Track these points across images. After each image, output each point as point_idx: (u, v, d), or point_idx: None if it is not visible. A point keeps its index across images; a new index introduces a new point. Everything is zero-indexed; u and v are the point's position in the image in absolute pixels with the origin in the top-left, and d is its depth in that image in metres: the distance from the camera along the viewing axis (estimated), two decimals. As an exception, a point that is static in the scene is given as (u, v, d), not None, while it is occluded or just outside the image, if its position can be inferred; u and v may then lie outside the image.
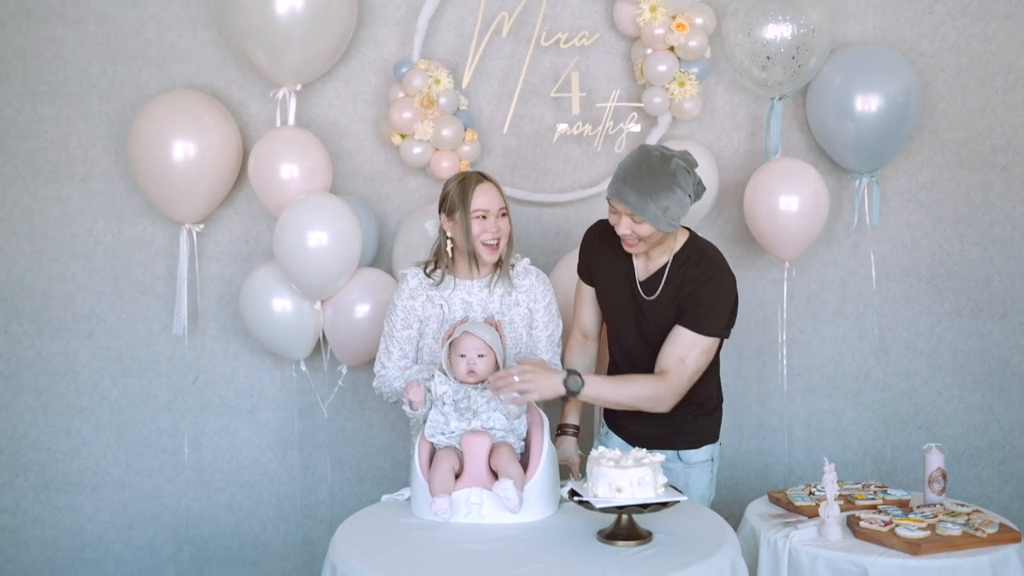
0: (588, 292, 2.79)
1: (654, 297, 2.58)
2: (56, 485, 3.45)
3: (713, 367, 2.67)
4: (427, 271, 2.71)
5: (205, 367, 3.45)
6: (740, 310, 3.48)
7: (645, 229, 2.46)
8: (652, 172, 2.43)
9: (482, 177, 2.67)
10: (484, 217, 2.62)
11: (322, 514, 3.49)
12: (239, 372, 3.48)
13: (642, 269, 2.63)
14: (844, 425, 3.59)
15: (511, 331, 2.68)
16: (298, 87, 3.21)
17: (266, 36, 3.03)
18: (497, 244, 2.64)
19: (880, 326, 3.54)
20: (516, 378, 2.34)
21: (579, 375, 2.43)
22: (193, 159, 3.10)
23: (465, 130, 3.28)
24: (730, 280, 2.56)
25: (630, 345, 2.68)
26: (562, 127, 3.39)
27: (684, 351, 2.50)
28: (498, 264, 2.68)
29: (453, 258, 2.68)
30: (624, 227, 2.48)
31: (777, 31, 3.13)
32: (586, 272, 2.78)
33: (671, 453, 2.68)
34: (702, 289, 2.51)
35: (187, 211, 3.22)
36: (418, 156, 3.26)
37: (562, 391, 2.41)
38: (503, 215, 2.65)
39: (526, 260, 2.76)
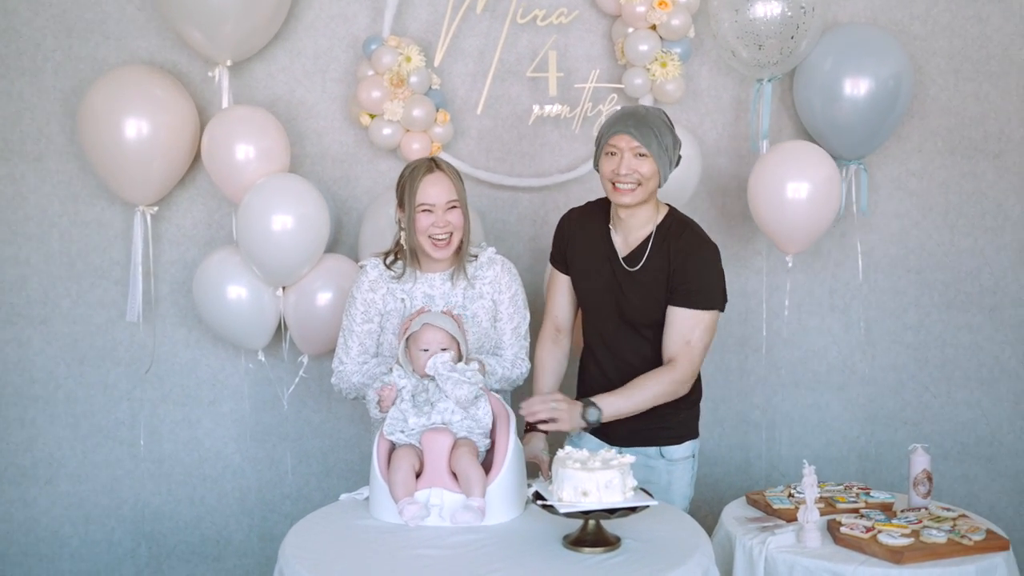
0: (562, 281, 2.68)
1: (637, 268, 2.50)
2: (9, 477, 3.31)
3: None
4: (387, 263, 2.57)
5: (165, 355, 3.31)
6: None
7: (647, 167, 2.42)
8: (649, 112, 2.47)
9: (434, 166, 2.50)
10: (429, 211, 2.47)
11: (287, 509, 3.36)
12: (200, 361, 3.34)
13: (623, 244, 2.56)
14: (828, 420, 3.48)
15: (474, 324, 2.55)
16: (229, 63, 3.06)
17: (200, 10, 2.89)
18: (448, 240, 2.49)
19: (866, 318, 3.42)
20: (552, 405, 2.36)
21: (594, 404, 2.40)
22: (146, 137, 2.95)
23: (437, 110, 3.14)
24: (715, 251, 2.53)
25: (610, 329, 2.58)
26: (539, 108, 3.25)
27: (687, 332, 2.45)
28: (458, 252, 2.54)
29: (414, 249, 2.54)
30: (626, 165, 2.41)
31: (766, 9, 2.99)
32: (561, 258, 2.67)
33: (652, 450, 2.58)
34: (690, 263, 2.46)
35: (140, 192, 3.08)
36: (388, 137, 3.12)
37: (583, 424, 2.40)
38: (452, 208, 2.48)
39: (491, 249, 2.62)
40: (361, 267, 2.60)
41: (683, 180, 3.17)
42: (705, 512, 3.35)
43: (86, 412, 3.33)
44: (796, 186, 2.99)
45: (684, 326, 2.45)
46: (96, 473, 3.34)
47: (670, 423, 2.58)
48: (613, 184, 2.45)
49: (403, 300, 2.54)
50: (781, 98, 3.33)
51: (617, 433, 2.60)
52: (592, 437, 2.64)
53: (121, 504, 3.35)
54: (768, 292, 3.37)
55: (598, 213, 2.62)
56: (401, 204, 2.52)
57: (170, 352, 3.33)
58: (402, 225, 2.52)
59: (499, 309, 2.58)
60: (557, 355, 2.70)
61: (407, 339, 2.34)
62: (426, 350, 2.30)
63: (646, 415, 2.53)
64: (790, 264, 3.22)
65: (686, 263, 2.46)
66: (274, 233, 2.90)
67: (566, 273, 2.68)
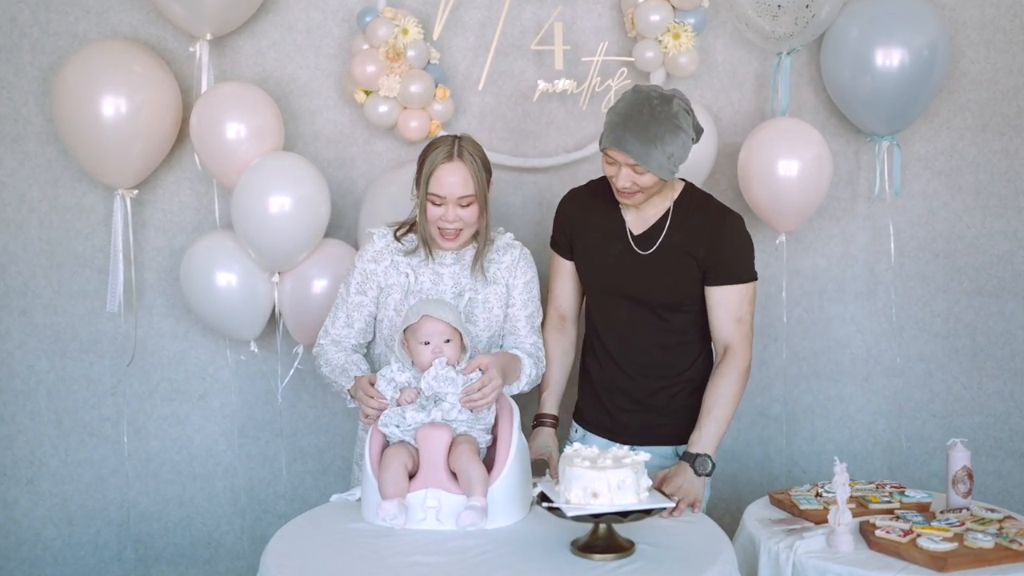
0: (566, 267, 2.52)
1: (653, 250, 2.34)
2: (-12, 477, 3.16)
3: (710, 346, 2.46)
4: (397, 234, 2.40)
5: (151, 348, 3.14)
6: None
7: (647, 179, 2.26)
8: (655, 117, 2.21)
9: (454, 153, 2.28)
10: (438, 204, 2.28)
11: (281, 509, 3.19)
12: (188, 353, 3.17)
13: (637, 223, 2.39)
14: (852, 413, 3.29)
15: (485, 311, 2.38)
16: (209, 37, 2.89)
17: None
18: (457, 234, 2.31)
19: (893, 305, 3.23)
20: (684, 507, 2.18)
21: (696, 455, 2.26)
22: (124, 116, 2.78)
23: (436, 86, 2.95)
24: (741, 219, 2.41)
25: (623, 316, 2.40)
26: (544, 84, 3.07)
27: (736, 310, 2.34)
28: (474, 237, 2.37)
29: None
30: (624, 179, 2.25)
31: (781, -26, 2.80)
32: (565, 244, 2.50)
33: (668, 449, 2.40)
34: (723, 238, 2.34)
35: (120, 175, 2.90)
36: (384, 115, 2.94)
37: (702, 480, 2.27)
38: (466, 205, 2.28)
39: (509, 235, 2.46)
40: (368, 235, 2.44)
41: (698, 160, 2.98)
42: (722, 511, 3.17)
43: (68, 408, 3.16)
44: (787, 163, 2.87)
45: (732, 304, 2.33)
46: (80, 472, 3.18)
47: (690, 416, 2.39)
48: (615, 188, 2.32)
49: (407, 275, 2.36)
50: (803, 71, 3.13)
51: (628, 432, 2.43)
52: (600, 439, 2.47)
53: (106, 505, 3.19)
54: (788, 278, 3.18)
55: (604, 191, 2.44)
56: (418, 181, 2.34)
57: (156, 344, 3.16)
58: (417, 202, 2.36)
59: (512, 294, 2.41)
60: (564, 344, 2.53)
61: (405, 331, 2.16)
62: (427, 343, 2.12)
63: (662, 410, 2.40)
64: (778, 241, 3.06)
65: (719, 238, 2.33)
66: (272, 216, 2.74)
67: (569, 258, 2.51)
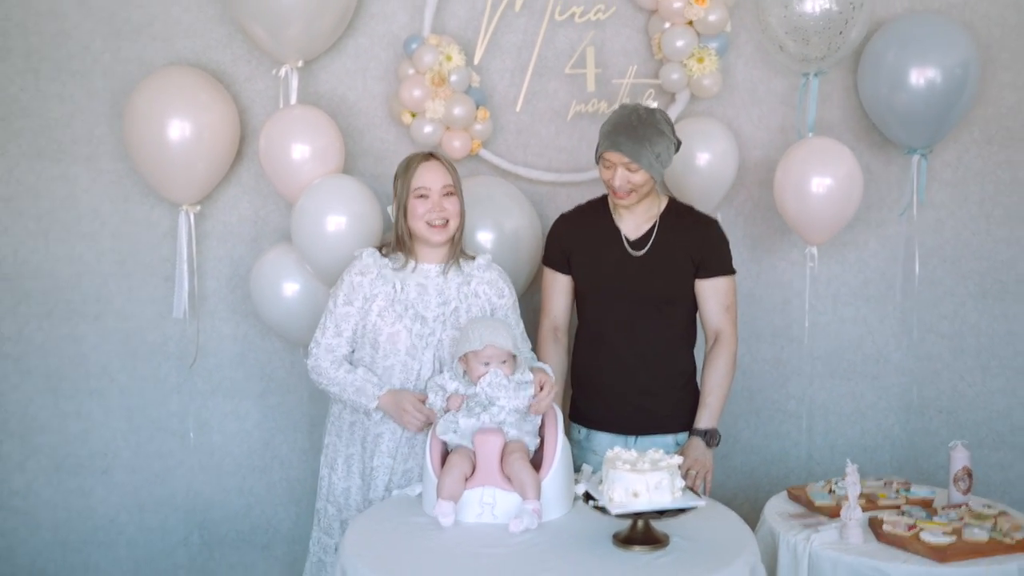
0: (561, 281, 2.80)
1: (646, 250, 2.68)
2: (67, 468, 3.43)
3: (693, 345, 2.80)
4: (383, 252, 2.65)
5: (213, 350, 3.40)
6: (761, 292, 3.44)
7: (639, 177, 2.60)
8: (643, 122, 2.58)
9: (429, 156, 2.62)
10: (425, 196, 2.55)
11: (334, 497, 3.45)
12: (249, 354, 3.42)
13: (631, 230, 2.73)
14: (863, 410, 3.52)
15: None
16: (300, 63, 3.11)
17: (266, 11, 2.95)
18: (445, 224, 2.57)
19: (902, 308, 3.45)
20: (695, 476, 2.58)
21: (702, 430, 2.64)
22: (189, 138, 3.02)
23: (477, 108, 3.18)
24: (718, 223, 2.79)
25: (627, 314, 2.69)
26: (577, 104, 3.29)
27: (724, 299, 2.69)
28: (453, 242, 2.62)
29: (408, 241, 2.63)
30: (620, 178, 2.59)
31: (814, 5, 2.98)
32: (562, 260, 2.79)
33: (668, 439, 2.69)
34: (709, 236, 2.71)
35: (184, 192, 3.15)
36: (429, 135, 3.17)
37: (711, 451, 2.65)
38: (449, 194, 2.58)
39: (488, 256, 2.70)
40: (356, 255, 2.67)
41: (720, 174, 3.21)
42: (742, 500, 3.42)
43: (139, 405, 3.42)
44: (820, 180, 3.08)
45: (721, 294, 2.69)
46: (149, 464, 3.44)
47: (688, 406, 2.71)
48: (612, 190, 2.65)
49: (395, 285, 2.59)
50: (827, 90, 3.31)
51: (632, 423, 2.71)
52: (606, 435, 2.73)
53: (174, 493, 3.46)
54: (808, 283, 3.39)
55: (594, 209, 2.80)
56: (396, 190, 2.61)
57: (218, 347, 3.41)
58: (395, 218, 2.61)
59: (507, 316, 2.65)
60: (560, 353, 2.82)
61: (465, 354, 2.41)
62: (487, 364, 2.37)
63: (659, 399, 2.68)
64: (809, 253, 3.27)
65: (707, 236, 2.71)
66: (328, 235, 2.94)
67: (566, 273, 2.80)
